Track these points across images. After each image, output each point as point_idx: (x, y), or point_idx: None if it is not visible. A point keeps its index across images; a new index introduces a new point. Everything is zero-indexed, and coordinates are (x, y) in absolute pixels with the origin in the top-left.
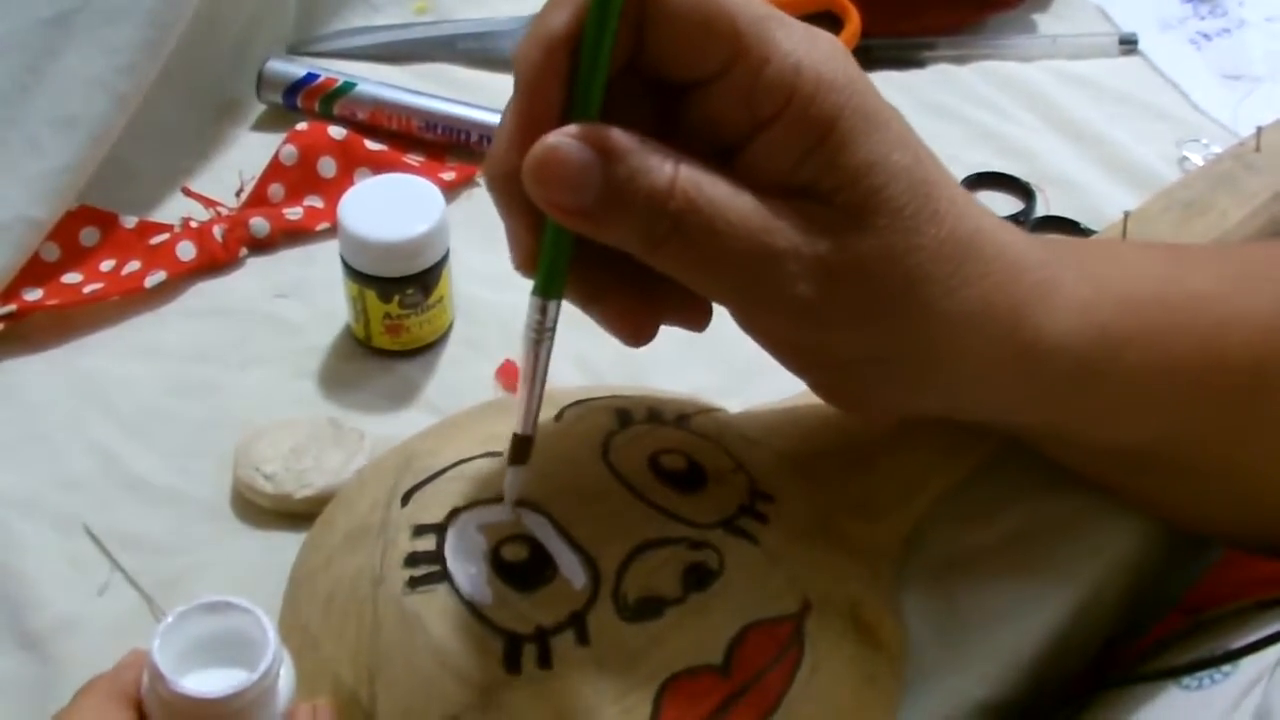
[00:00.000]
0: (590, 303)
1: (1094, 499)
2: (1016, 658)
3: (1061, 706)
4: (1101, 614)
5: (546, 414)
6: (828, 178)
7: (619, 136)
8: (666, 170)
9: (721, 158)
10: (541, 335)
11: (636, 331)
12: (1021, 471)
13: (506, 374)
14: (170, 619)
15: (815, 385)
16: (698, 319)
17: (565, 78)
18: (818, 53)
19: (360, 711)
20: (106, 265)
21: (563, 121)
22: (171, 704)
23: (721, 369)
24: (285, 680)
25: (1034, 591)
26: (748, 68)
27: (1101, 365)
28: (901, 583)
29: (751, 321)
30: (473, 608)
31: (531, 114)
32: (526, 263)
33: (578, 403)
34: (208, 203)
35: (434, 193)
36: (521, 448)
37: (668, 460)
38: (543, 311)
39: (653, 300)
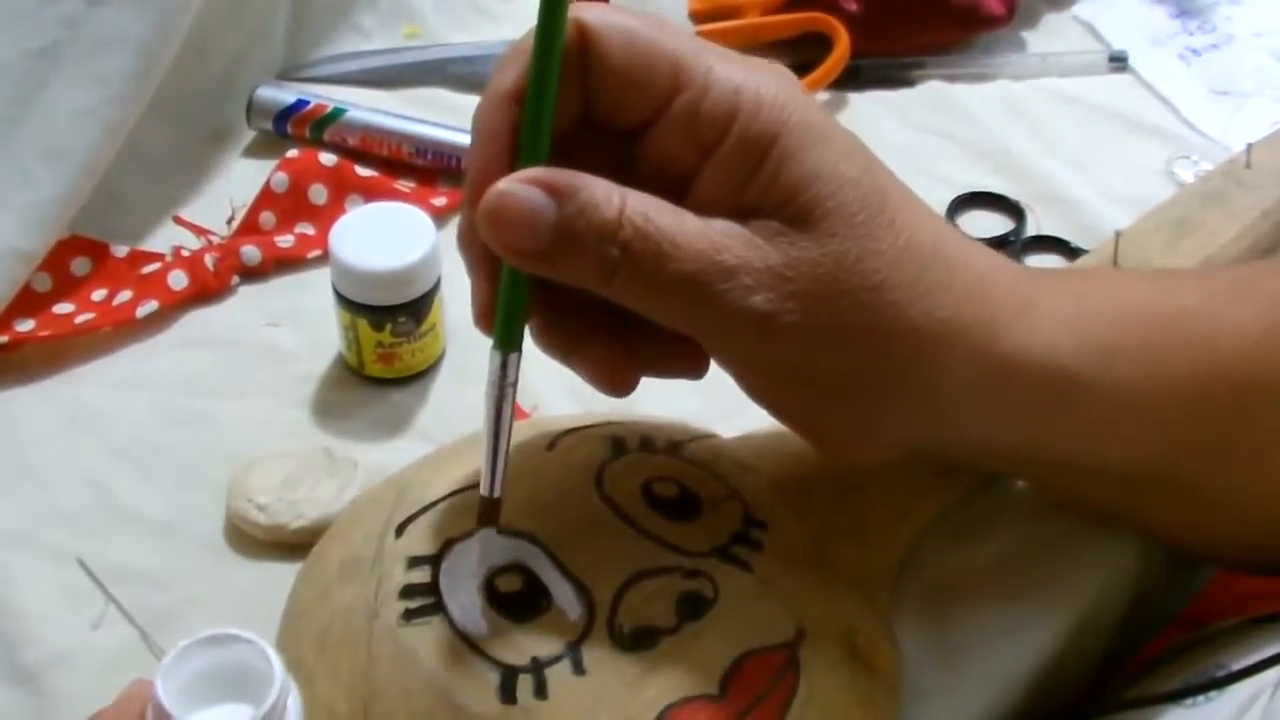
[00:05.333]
0: (568, 355)
1: (1088, 519)
2: (1012, 680)
3: None
4: (1098, 633)
5: (540, 443)
6: (773, 193)
7: (564, 175)
8: (614, 202)
9: (677, 194)
10: (504, 391)
11: (616, 382)
12: (1014, 492)
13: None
14: (173, 654)
15: (790, 419)
16: (689, 367)
17: (515, 130)
18: (757, 75)
19: None
20: (98, 295)
21: (514, 170)
22: None
23: (713, 394)
24: (294, 711)
25: (1029, 613)
26: (690, 99)
27: (1089, 379)
28: (896, 606)
29: (714, 344)
30: (468, 640)
31: (485, 167)
32: (484, 314)
33: (571, 431)
34: (199, 231)
35: (425, 221)
36: (490, 510)
37: (661, 488)
38: (504, 366)
39: (632, 350)
